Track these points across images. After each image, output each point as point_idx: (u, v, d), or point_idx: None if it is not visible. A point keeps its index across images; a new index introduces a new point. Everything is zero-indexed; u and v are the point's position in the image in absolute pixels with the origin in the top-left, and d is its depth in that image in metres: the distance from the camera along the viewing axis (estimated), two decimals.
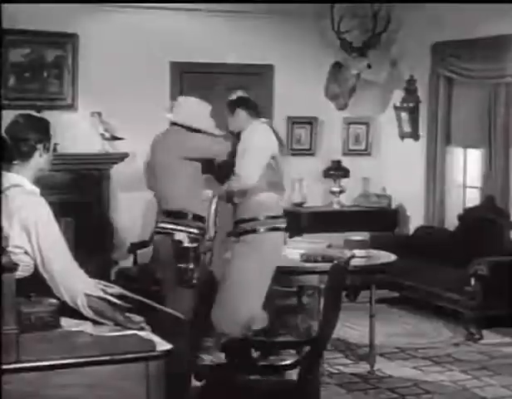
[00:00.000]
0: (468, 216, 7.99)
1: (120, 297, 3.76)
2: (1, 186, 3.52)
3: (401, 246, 8.22)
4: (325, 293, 4.33)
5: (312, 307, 7.26)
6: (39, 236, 3.58)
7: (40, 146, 3.77)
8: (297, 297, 6.99)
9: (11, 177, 3.65)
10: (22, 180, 3.70)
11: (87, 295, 3.59)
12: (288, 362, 3.99)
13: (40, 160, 3.78)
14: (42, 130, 3.82)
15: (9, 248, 3.36)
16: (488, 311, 7.07)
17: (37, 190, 3.74)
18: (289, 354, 5.30)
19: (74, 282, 3.60)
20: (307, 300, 7.48)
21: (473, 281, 7.05)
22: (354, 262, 5.15)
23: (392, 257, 6.27)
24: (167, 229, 5.46)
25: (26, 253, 3.59)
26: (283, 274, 5.81)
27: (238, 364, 4.04)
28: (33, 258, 3.61)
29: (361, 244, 6.45)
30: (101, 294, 3.65)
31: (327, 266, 5.79)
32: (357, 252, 6.05)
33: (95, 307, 3.60)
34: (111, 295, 3.71)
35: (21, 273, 3.39)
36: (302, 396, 3.83)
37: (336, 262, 3.97)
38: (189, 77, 8.56)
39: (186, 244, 5.25)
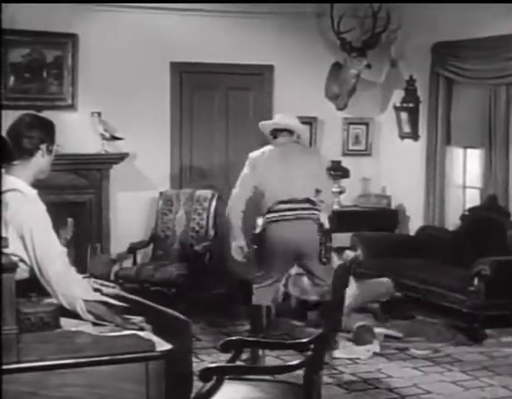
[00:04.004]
0: (470, 216, 7.98)
1: (116, 297, 3.76)
2: (1, 187, 3.51)
3: (403, 246, 8.25)
4: (330, 293, 4.36)
5: None
6: (34, 245, 3.57)
7: (43, 146, 3.76)
8: None
9: (8, 180, 3.62)
10: (18, 184, 3.66)
11: (85, 301, 3.59)
12: (293, 363, 3.98)
13: (41, 161, 3.77)
14: (47, 131, 3.80)
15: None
16: (491, 311, 7.05)
17: (34, 193, 3.71)
18: None
19: (71, 288, 3.59)
20: None
21: (476, 281, 7.04)
22: None
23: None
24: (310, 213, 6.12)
25: (22, 260, 3.58)
26: None
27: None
28: (30, 265, 3.61)
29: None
30: (99, 298, 3.65)
31: None
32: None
33: (94, 311, 3.60)
34: (107, 296, 3.72)
35: (17, 276, 3.38)
36: (306, 396, 3.82)
37: (341, 262, 3.99)
38: (189, 77, 8.56)
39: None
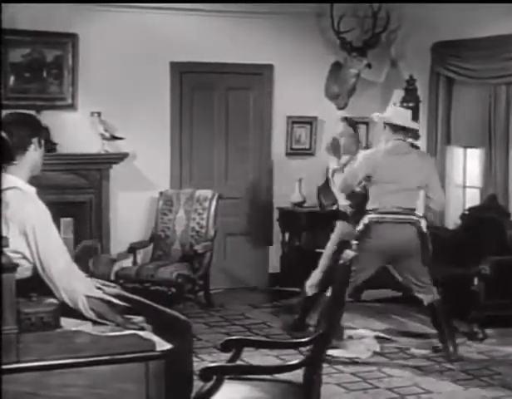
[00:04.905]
0: (470, 215, 7.97)
1: (117, 297, 3.76)
2: (1, 185, 3.52)
3: None
4: (330, 292, 4.37)
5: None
6: (37, 240, 3.58)
7: (35, 140, 3.79)
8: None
9: (7, 178, 3.63)
10: (18, 182, 3.68)
11: (87, 297, 3.60)
12: (293, 363, 3.98)
13: (35, 155, 3.80)
14: (35, 125, 3.86)
15: (7, 253, 3.35)
16: (491, 311, 7.04)
17: (33, 190, 3.74)
18: None
19: (73, 284, 3.60)
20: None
21: (476, 281, 7.03)
22: None
23: None
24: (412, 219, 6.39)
25: (24, 257, 3.59)
26: None
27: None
28: (32, 262, 3.62)
29: None
30: (101, 295, 3.66)
31: None
32: None
33: (96, 309, 3.61)
34: (109, 295, 3.72)
35: (19, 275, 3.38)
36: (306, 396, 3.82)
37: (341, 261, 3.99)
38: (189, 77, 8.56)
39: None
